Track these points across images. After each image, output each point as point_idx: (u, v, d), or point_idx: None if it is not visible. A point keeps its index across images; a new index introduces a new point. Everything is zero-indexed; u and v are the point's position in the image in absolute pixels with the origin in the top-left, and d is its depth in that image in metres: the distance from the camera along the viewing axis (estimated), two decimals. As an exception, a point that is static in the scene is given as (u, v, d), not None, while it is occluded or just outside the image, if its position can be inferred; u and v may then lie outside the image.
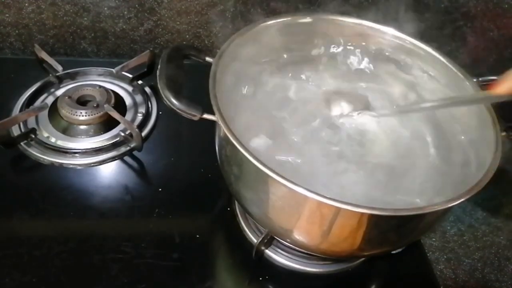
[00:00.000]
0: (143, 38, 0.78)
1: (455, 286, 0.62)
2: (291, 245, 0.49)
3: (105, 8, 0.74)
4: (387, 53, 0.57)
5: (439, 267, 0.63)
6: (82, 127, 0.62)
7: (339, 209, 0.36)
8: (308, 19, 0.55)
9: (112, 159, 0.61)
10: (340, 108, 0.56)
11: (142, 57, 0.69)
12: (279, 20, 0.53)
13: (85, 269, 0.49)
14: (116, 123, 0.63)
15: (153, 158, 0.62)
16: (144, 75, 0.71)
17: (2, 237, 0.51)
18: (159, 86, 0.43)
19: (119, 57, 0.79)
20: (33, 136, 0.61)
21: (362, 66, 0.59)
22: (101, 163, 0.60)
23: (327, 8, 0.75)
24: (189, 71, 0.47)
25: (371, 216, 0.37)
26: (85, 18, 0.74)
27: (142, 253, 0.51)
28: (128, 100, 0.68)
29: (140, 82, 0.71)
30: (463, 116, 0.51)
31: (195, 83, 0.46)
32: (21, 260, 0.49)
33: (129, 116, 0.66)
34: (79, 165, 0.59)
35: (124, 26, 0.76)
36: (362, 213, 0.36)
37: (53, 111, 0.64)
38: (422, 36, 0.53)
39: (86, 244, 0.51)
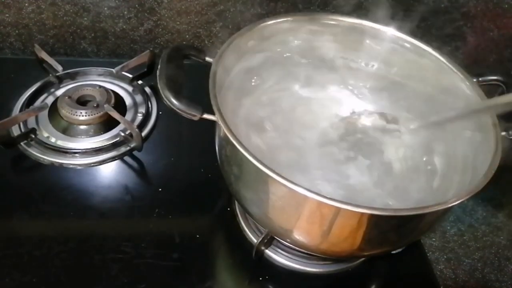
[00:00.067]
0: (143, 38, 0.78)
1: (455, 286, 0.62)
2: (291, 245, 0.49)
3: (105, 8, 0.74)
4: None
5: (439, 267, 0.64)
6: (82, 127, 0.62)
7: (339, 209, 0.36)
8: (308, 19, 0.55)
9: (112, 159, 0.61)
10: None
11: (142, 57, 0.69)
12: (279, 20, 0.53)
13: (85, 269, 0.49)
14: (116, 123, 0.63)
15: (153, 158, 0.62)
16: (144, 75, 0.71)
17: (2, 237, 0.51)
18: (159, 86, 0.43)
19: (119, 57, 0.79)
20: (33, 136, 0.61)
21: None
22: (101, 163, 0.60)
23: (327, 8, 0.75)
24: (189, 71, 0.46)
25: (371, 216, 0.37)
26: (85, 18, 0.74)
27: (142, 253, 0.51)
28: (128, 100, 0.68)
29: (140, 82, 0.71)
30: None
31: (195, 83, 0.46)
32: (21, 260, 0.49)
33: (129, 116, 0.66)
34: (79, 165, 0.59)
35: (124, 26, 0.76)
36: (362, 213, 0.36)
37: (53, 111, 0.64)
38: (422, 36, 0.53)
39: (86, 244, 0.51)
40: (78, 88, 0.66)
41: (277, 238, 0.50)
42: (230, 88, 0.50)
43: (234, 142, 0.39)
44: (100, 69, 0.72)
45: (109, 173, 0.60)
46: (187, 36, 0.78)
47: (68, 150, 0.60)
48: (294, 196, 0.37)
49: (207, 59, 0.48)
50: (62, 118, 0.63)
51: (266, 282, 0.51)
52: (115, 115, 0.61)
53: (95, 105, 0.63)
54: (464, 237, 0.67)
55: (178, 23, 0.76)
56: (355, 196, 0.52)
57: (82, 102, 0.65)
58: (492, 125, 0.45)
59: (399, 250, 0.51)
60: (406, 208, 0.37)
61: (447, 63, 0.51)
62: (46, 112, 0.64)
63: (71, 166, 0.59)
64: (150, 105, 0.68)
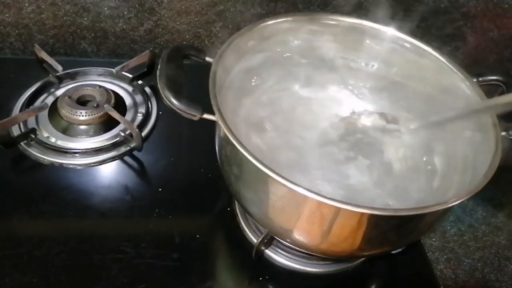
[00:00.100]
0: (143, 38, 0.78)
1: (455, 286, 0.62)
2: (291, 245, 0.49)
3: (105, 8, 0.74)
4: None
5: (439, 267, 0.64)
6: (82, 127, 0.62)
7: (339, 209, 0.36)
8: (308, 19, 0.55)
9: (112, 159, 0.61)
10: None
11: (142, 57, 0.69)
12: (279, 20, 0.53)
13: (85, 269, 0.49)
14: (116, 123, 0.63)
15: (153, 158, 0.62)
16: (144, 75, 0.71)
17: (2, 237, 0.51)
18: (159, 86, 0.43)
19: (119, 57, 0.79)
20: (33, 136, 0.61)
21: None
22: (101, 163, 0.60)
23: (327, 8, 0.75)
24: (189, 71, 0.46)
25: (371, 216, 0.37)
26: (85, 18, 0.74)
27: (142, 253, 0.51)
28: (128, 100, 0.68)
29: (140, 82, 0.71)
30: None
31: (195, 83, 0.46)
32: (21, 260, 0.49)
33: (129, 116, 0.66)
34: (79, 165, 0.59)
35: (124, 26, 0.76)
36: (362, 213, 0.36)
37: (53, 111, 0.64)
38: (422, 36, 0.53)
39: (86, 244, 0.51)
40: (78, 88, 0.66)
41: (277, 238, 0.50)
42: (230, 88, 0.50)
43: (234, 142, 0.39)
44: (100, 69, 0.72)
45: (109, 173, 0.60)
46: (187, 36, 0.78)
47: (68, 150, 0.60)
48: (294, 196, 0.37)
49: (207, 59, 0.48)
50: (62, 118, 0.63)
51: (266, 282, 0.51)
52: (115, 115, 0.61)
53: (95, 105, 0.63)
54: (464, 237, 0.67)
55: (178, 23, 0.76)
56: (355, 196, 0.52)
57: (82, 102, 0.65)
58: (492, 125, 0.45)
59: (399, 250, 0.51)
60: (406, 208, 0.37)
61: (447, 63, 0.51)
62: (46, 112, 0.64)
63: (71, 166, 0.59)
64: (150, 105, 0.68)
